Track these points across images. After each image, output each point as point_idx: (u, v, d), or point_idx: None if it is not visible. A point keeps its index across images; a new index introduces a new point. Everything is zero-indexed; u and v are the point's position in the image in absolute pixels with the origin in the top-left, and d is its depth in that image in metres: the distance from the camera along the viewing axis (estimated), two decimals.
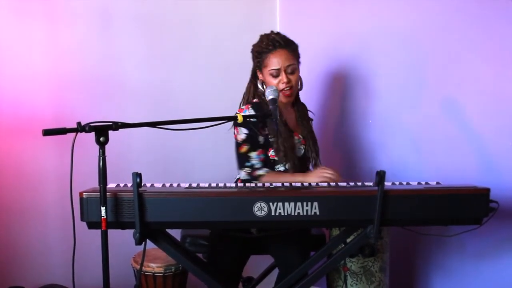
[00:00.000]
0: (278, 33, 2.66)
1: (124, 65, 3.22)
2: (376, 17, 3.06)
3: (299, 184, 2.29)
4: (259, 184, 2.33)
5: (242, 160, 2.56)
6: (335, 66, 3.31)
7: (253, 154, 2.55)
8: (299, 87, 2.69)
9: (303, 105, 2.83)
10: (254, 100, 2.67)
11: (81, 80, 3.10)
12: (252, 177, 2.52)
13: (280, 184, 2.28)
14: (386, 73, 3.04)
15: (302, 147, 2.70)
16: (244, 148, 2.55)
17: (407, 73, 2.93)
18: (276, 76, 2.60)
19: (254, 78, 2.73)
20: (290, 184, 2.30)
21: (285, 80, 2.59)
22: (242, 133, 2.55)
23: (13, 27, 2.92)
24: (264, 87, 2.66)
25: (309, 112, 2.85)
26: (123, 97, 3.22)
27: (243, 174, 2.54)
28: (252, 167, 2.53)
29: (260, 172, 2.52)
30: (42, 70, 3.00)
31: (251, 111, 2.56)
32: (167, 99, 3.35)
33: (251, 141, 2.55)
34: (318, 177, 2.41)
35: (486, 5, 2.54)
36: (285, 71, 2.59)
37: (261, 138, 2.57)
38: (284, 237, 2.48)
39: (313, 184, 2.33)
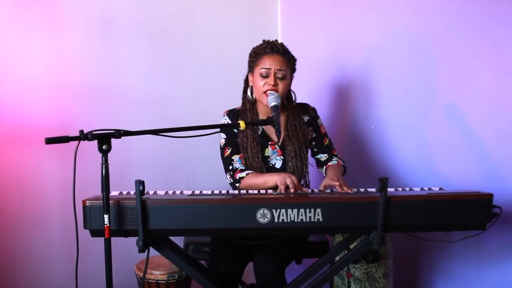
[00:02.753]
0: (281, 43, 2.64)
1: (126, 73, 3.23)
2: (380, 23, 3.07)
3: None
4: (262, 191, 2.33)
5: (226, 164, 2.59)
6: (337, 72, 3.32)
7: (236, 157, 2.58)
8: (292, 98, 2.68)
9: (297, 113, 2.73)
10: (236, 107, 2.69)
11: (84, 89, 3.11)
12: (234, 180, 2.55)
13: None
14: (388, 79, 3.04)
15: (278, 158, 2.63)
16: (227, 152, 2.59)
17: (410, 79, 2.93)
18: (265, 76, 2.55)
19: (246, 83, 2.72)
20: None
21: (272, 82, 2.53)
22: (222, 138, 2.61)
23: (16, 37, 2.94)
24: (250, 92, 2.65)
25: (307, 117, 2.76)
26: (126, 105, 3.23)
27: (227, 178, 2.57)
28: (234, 170, 2.56)
29: (242, 174, 2.53)
30: (44, 78, 3.02)
31: (226, 118, 2.62)
32: (169, 107, 3.37)
33: (232, 145, 2.59)
34: (278, 180, 2.37)
35: (488, 11, 2.53)
36: (275, 73, 2.54)
37: (239, 140, 2.60)
38: (268, 246, 2.45)
39: (316, 190, 2.32)
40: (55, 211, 3.04)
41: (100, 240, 1.94)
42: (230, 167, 2.57)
